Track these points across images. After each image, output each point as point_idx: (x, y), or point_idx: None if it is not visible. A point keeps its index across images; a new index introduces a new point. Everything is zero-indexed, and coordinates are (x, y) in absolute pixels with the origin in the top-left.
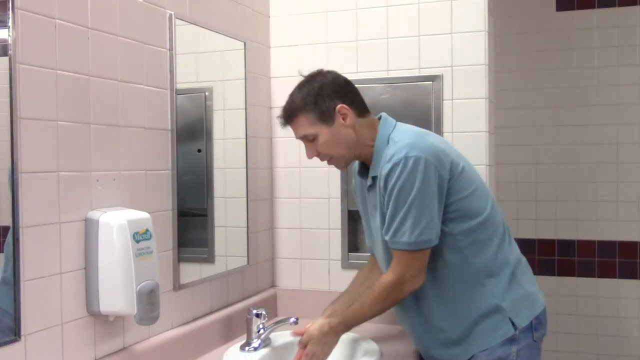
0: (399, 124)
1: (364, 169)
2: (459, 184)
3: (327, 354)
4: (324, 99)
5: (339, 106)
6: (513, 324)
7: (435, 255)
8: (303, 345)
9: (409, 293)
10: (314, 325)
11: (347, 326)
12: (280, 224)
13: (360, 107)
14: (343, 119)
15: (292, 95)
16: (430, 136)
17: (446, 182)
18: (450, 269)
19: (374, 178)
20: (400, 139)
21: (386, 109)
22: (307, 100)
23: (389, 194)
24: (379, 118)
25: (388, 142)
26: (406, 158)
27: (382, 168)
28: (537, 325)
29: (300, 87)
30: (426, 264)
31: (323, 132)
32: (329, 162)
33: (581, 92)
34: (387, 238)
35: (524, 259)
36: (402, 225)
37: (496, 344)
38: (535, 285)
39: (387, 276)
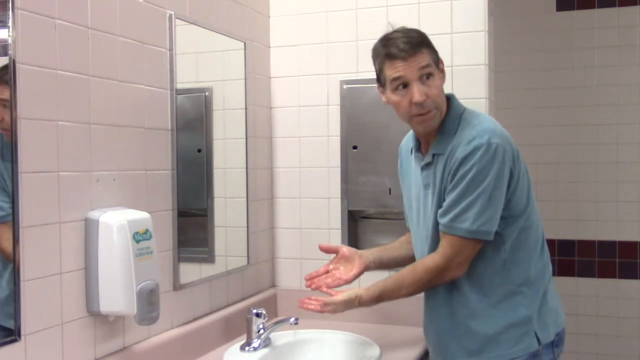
0: (467, 107)
1: (418, 145)
2: (518, 182)
3: (337, 311)
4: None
5: (441, 61)
6: (537, 338)
7: (478, 256)
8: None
9: (449, 280)
10: (349, 292)
11: (378, 301)
12: (280, 224)
13: None
14: (442, 74)
15: (410, 30)
16: (502, 126)
17: (513, 177)
18: (490, 270)
19: (434, 155)
20: (479, 122)
21: (386, 109)
22: (428, 39)
23: (461, 176)
24: (448, 97)
25: (459, 123)
26: (489, 144)
27: (456, 148)
28: (558, 341)
29: (411, 29)
30: (473, 256)
31: (437, 75)
32: (426, 115)
33: (581, 92)
34: (443, 221)
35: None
36: (466, 211)
37: (519, 357)
38: (559, 301)
39: (434, 259)
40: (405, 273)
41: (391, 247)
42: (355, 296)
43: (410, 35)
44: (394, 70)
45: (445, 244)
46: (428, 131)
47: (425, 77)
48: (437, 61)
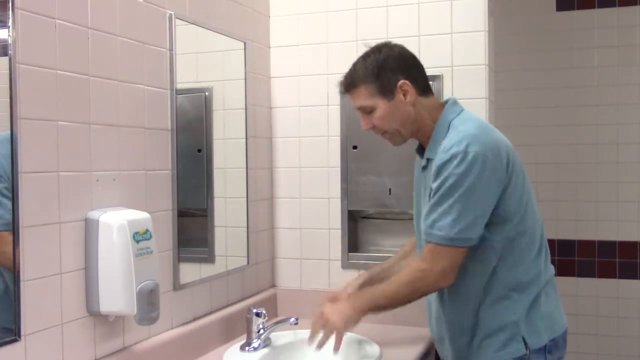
0: (465, 111)
1: (421, 147)
2: (507, 188)
3: (340, 324)
4: (386, 72)
5: (400, 82)
6: (525, 343)
7: (468, 259)
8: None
9: (436, 288)
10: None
11: (365, 303)
12: (280, 224)
13: (423, 85)
14: (404, 95)
15: (355, 64)
16: (494, 131)
17: (501, 183)
18: (480, 275)
19: (428, 160)
20: (464, 128)
21: None
22: (369, 71)
23: (440, 184)
24: (446, 102)
25: (449, 128)
26: (465, 152)
27: (438, 155)
28: (552, 347)
29: (365, 57)
30: (459, 263)
31: (381, 106)
32: (383, 136)
33: (581, 92)
34: (422, 228)
35: (554, 278)
36: (442, 218)
37: None
38: (558, 306)
39: (418, 262)
40: (395, 276)
41: (380, 271)
42: (346, 304)
43: (345, 75)
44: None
45: (426, 250)
46: (400, 145)
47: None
48: (385, 88)
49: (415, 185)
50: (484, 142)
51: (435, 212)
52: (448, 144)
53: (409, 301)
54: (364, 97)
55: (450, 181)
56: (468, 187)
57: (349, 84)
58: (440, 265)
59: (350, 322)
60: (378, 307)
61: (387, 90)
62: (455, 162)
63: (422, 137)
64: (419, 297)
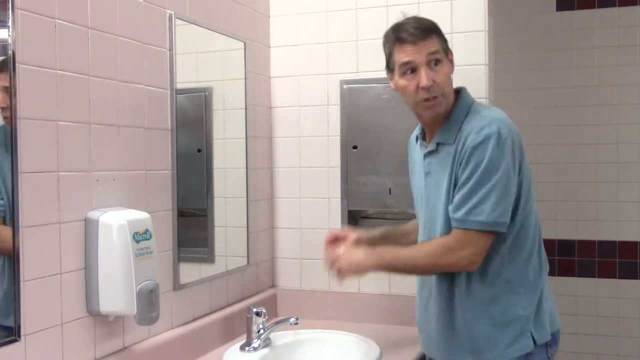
0: (476, 100)
1: (423, 133)
2: (523, 177)
3: (348, 268)
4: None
5: (450, 52)
6: (533, 339)
7: None
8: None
9: (459, 270)
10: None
11: (383, 259)
12: (280, 224)
13: None
14: (451, 64)
15: (424, 18)
16: None
17: (520, 169)
18: (488, 269)
19: (439, 144)
20: (488, 113)
21: (386, 109)
22: (439, 29)
23: (473, 168)
24: (458, 90)
25: (468, 112)
26: (499, 133)
27: (467, 137)
28: (552, 342)
29: (424, 18)
30: (487, 250)
31: (445, 62)
32: (433, 101)
33: (581, 92)
34: (457, 216)
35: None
36: (481, 203)
37: (513, 357)
38: (554, 301)
39: (447, 239)
40: (419, 244)
41: (399, 230)
42: (362, 252)
43: (421, 22)
44: (403, 55)
45: (458, 233)
46: (434, 118)
47: (434, 62)
48: (447, 50)
49: (414, 174)
50: (509, 126)
51: (472, 198)
52: (477, 126)
53: (426, 274)
54: (437, 46)
55: (485, 163)
56: (504, 170)
57: (430, 28)
58: (469, 250)
59: (360, 270)
60: (393, 268)
61: (448, 52)
62: (490, 143)
63: (439, 117)
64: (438, 272)
